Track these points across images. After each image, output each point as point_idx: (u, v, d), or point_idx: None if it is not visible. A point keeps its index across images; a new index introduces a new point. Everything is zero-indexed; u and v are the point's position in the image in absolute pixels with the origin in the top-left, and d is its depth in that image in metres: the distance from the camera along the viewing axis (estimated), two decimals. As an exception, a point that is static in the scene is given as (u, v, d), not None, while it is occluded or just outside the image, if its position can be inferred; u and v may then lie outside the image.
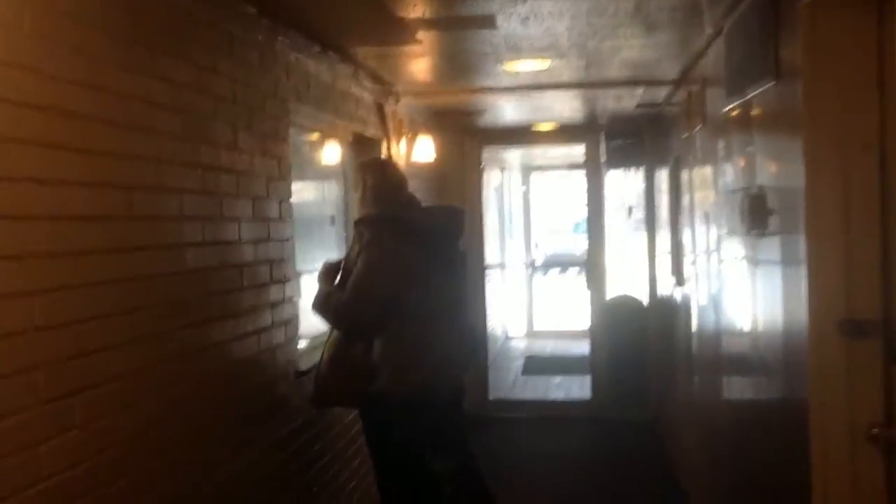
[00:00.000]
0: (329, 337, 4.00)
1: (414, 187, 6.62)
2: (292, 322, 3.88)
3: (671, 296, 6.62)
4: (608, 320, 8.43)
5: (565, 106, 7.00)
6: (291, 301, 3.87)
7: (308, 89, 4.23)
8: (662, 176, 7.11)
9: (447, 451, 4.10)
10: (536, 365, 11.16)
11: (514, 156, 12.05)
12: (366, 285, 3.78)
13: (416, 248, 3.86)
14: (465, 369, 4.17)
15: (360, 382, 3.77)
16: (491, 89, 6.04)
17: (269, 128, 3.66)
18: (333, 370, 3.89)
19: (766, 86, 3.01)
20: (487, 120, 7.69)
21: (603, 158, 8.52)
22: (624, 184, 9.49)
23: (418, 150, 6.21)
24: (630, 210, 9.31)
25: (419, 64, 5.08)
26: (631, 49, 4.70)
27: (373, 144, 5.66)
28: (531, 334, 13.55)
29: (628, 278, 9.09)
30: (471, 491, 4.20)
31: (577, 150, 8.84)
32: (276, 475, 3.64)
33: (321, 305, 3.90)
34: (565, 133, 8.43)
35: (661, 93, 6.26)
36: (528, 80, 5.64)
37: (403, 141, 6.11)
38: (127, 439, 2.49)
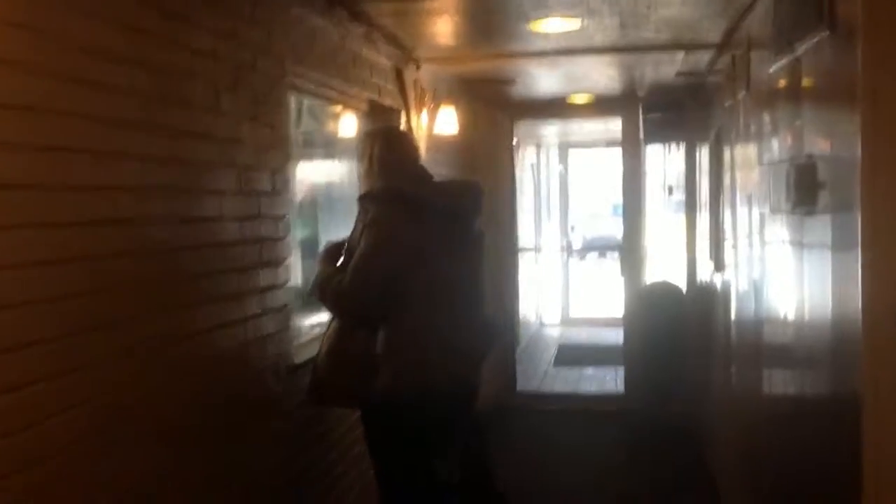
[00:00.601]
0: (329, 326, 3.65)
1: (438, 161, 6.29)
2: (285, 310, 3.52)
3: (711, 282, 6.19)
4: (644, 308, 7.98)
5: (601, 75, 6.56)
6: (285, 287, 3.51)
7: (311, 49, 3.87)
8: (704, 152, 6.67)
9: (454, 457, 3.72)
10: (569, 355, 10.76)
11: (550, 132, 11.61)
12: (368, 267, 3.42)
13: (426, 228, 3.49)
14: (478, 365, 3.78)
15: (361, 378, 3.42)
16: (520, 54, 5.64)
17: (260, 90, 3.31)
18: (332, 364, 3.55)
19: (819, 38, 2.59)
20: (519, 91, 7.28)
21: (641, 133, 8.08)
22: (664, 161, 9.04)
23: (441, 122, 5.83)
24: (670, 190, 8.87)
25: (439, 24, 4.69)
26: (669, 5, 4.27)
27: (391, 114, 5.29)
28: (566, 321, 13.22)
29: (668, 263, 8.66)
30: (480, 497, 3.85)
31: (616, 126, 8.40)
32: (260, 478, 3.31)
33: (320, 289, 3.55)
34: (602, 106, 7.98)
35: (703, 59, 5.81)
36: (558, 43, 5.23)
37: (425, 112, 5.73)
38: (79, 440, 2.17)
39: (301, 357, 3.73)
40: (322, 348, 3.63)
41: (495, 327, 4.03)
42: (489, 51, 5.54)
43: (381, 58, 4.94)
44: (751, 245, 4.28)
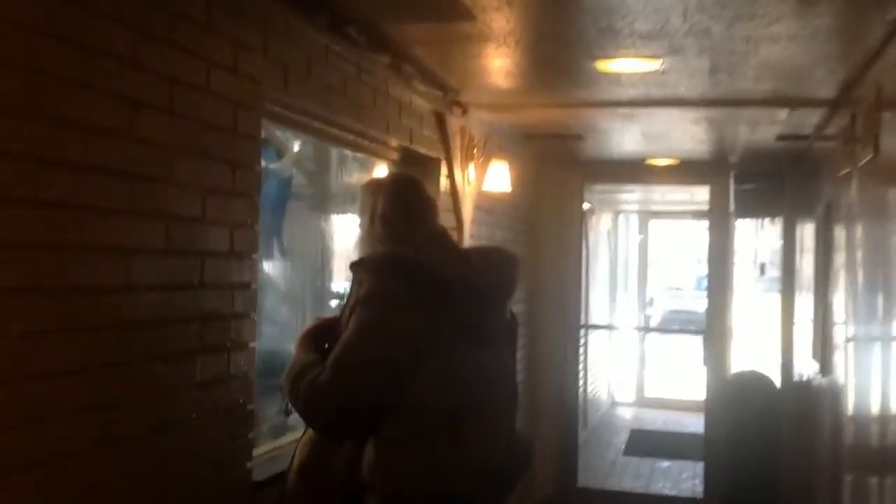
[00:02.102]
0: (304, 433, 2.73)
1: (486, 223, 5.40)
2: (242, 410, 2.63)
3: (815, 377, 5.10)
4: (731, 398, 6.87)
5: (685, 134, 5.60)
6: (245, 377, 2.62)
7: (307, 74, 3.03)
8: (807, 229, 5.63)
9: None
10: (642, 442, 9.64)
11: (629, 198, 10.63)
12: (354, 360, 2.49)
13: (439, 309, 2.57)
14: (505, 495, 2.80)
15: (341, 507, 2.49)
16: (587, 103, 4.73)
17: (215, 115, 2.47)
18: (301, 485, 2.62)
19: None
20: (589, 149, 6.36)
21: (731, 206, 7.06)
22: (756, 235, 7.99)
23: (492, 179, 4.94)
24: (762, 268, 7.82)
25: (487, 60, 3.83)
26: (774, 43, 3.33)
27: (429, 166, 4.44)
28: (641, 401, 12.23)
29: (757, 349, 7.57)
30: None
31: (702, 195, 7.39)
32: None
33: (291, 384, 2.62)
34: (687, 171, 6.99)
35: (810, 120, 4.82)
36: (634, 91, 4.31)
37: (472, 167, 4.85)
38: None
39: (266, 472, 2.82)
40: (293, 462, 2.70)
41: (528, 446, 3.02)
42: (550, 97, 4.65)
43: (416, 98, 4.09)
44: (884, 344, 3.25)
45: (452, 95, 4.47)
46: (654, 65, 3.77)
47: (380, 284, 2.57)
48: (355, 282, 2.66)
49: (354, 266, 2.67)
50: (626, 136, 5.78)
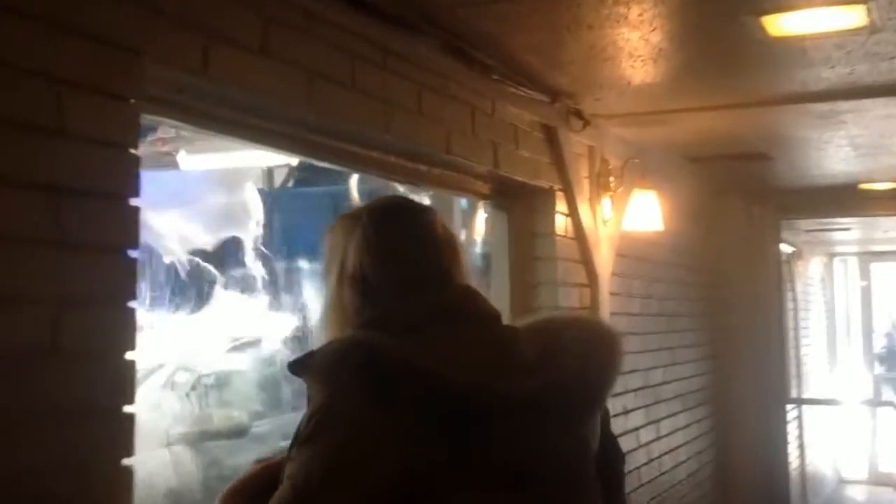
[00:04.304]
0: None
1: (639, 275, 4.07)
2: None
3: None
4: None
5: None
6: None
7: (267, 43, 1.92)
8: None
9: None
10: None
11: (845, 237, 8.82)
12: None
13: (437, 439, 1.36)
14: None
15: None
16: (764, 99, 3.35)
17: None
18: None
19: None
20: (782, 173, 4.88)
21: None
22: None
23: (636, 215, 3.62)
24: None
25: (611, 43, 2.59)
26: None
27: (536, 199, 3.22)
28: (875, 478, 10.59)
29: None
30: None
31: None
32: None
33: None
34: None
35: None
36: (829, 70, 2.92)
37: (607, 200, 3.56)
38: None
39: None
40: None
41: None
42: (710, 95, 3.32)
43: (504, 104, 2.89)
44: None
45: (567, 101, 3.23)
46: (855, 15, 2.40)
47: (332, 403, 1.39)
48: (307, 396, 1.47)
49: (293, 366, 1.47)
50: (828, 151, 4.28)
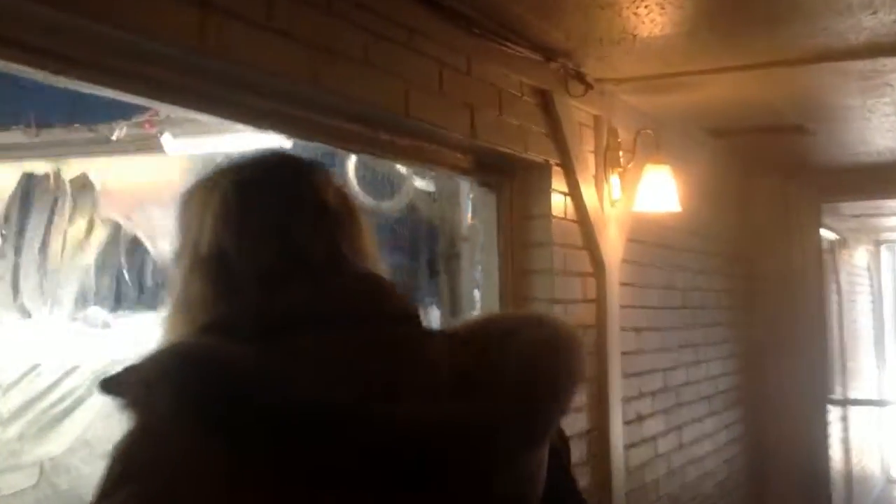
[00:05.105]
0: None
1: (655, 263, 3.62)
2: None
3: None
4: None
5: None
6: None
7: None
8: None
9: None
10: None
11: (894, 223, 8.25)
12: None
13: (293, 486, 0.94)
14: None
15: None
16: (796, 57, 2.88)
17: None
18: None
19: None
20: (823, 148, 4.38)
21: None
22: None
23: (648, 194, 3.17)
24: None
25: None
26: None
27: (529, 177, 2.78)
28: None
29: None
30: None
31: None
32: None
33: None
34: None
35: None
36: (872, 18, 2.46)
37: (615, 178, 3.12)
38: None
39: None
40: None
41: None
42: (733, 53, 2.86)
43: (484, 62, 2.45)
44: None
45: (564, 62, 2.79)
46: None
47: (143, 439, 0.99)
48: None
49: (108, 388, 1.05)
50: (873, 121, 3.78)
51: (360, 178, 5.14)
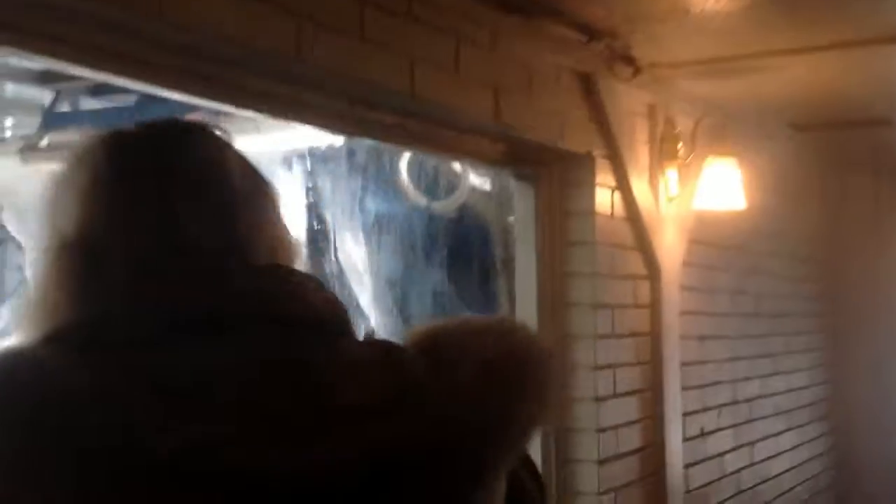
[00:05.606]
0: None
1: (723, 267, 3.31)
2: None
3: None
4: None
5: None
6: None
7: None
8: None
9: None
10: None
11: None
12: None
13: None
14: None
15: None
16: (881, 35, 2.56)
17: None
18: None
19: None
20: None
21: None
22: None
23: (711, 189, 2.87)
24: None
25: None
26: None
27: (571, 169, 2.53)
28: None
29: None
30: None
31: None
32: None
33: None
34: None
35: None
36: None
37: (673, 171, 2.83)
38: None
39: None
40: None
41: None
42: (808, 33, 2.55)
43: (511, 39, 2.22)
44: None
45: (610, 42, 2.53)
46: None
47: None
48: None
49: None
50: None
51: (414, 177, 4.92)
